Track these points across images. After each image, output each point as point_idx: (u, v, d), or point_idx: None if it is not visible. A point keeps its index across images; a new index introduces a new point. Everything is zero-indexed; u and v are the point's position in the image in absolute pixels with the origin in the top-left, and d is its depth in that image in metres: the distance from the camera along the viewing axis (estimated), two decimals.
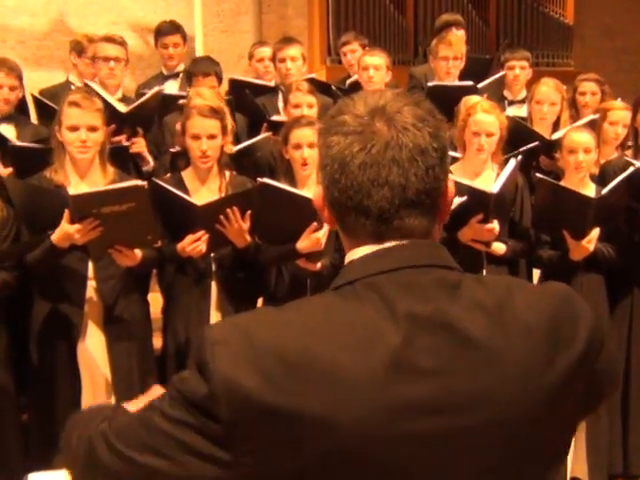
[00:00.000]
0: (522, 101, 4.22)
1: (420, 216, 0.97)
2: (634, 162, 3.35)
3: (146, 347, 3.15)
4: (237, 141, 3.59)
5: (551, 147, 3.61)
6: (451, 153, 3.61)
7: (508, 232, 3.32)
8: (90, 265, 2.97)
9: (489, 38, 6.54)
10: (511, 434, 0.92)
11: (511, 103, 4.35)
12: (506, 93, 4.42)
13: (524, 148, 3.52)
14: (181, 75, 4.49)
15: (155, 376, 3.14)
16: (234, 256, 3.08)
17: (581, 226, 3.19)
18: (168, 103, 3.83)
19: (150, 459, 0.92)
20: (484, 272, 3.27)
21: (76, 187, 2.94)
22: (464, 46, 4.44)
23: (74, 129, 2.90)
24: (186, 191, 3.07)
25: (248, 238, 3.00)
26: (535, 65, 6.48)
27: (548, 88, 3.81)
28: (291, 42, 4.43)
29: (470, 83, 3.95)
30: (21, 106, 3.95)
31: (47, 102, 3.89)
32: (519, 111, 4.09)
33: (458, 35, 4.49)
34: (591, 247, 3.21)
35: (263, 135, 3.58)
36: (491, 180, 3.29)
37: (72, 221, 2.72)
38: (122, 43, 3.91)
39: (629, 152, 3.64)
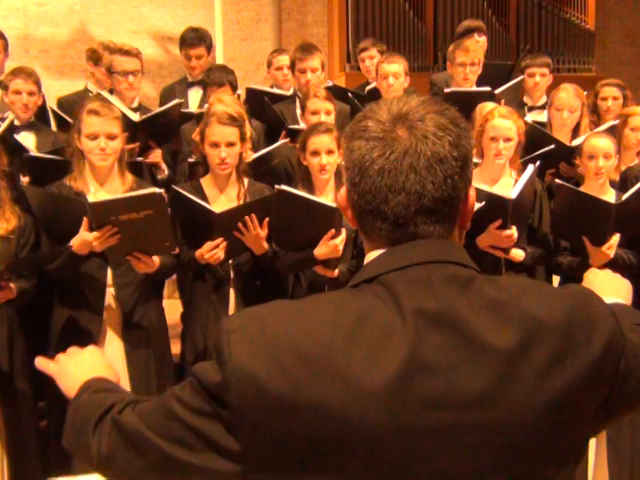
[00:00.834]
0: (542, 107, 4.19)
1: (436, 223, 0.98)
2: None
3: (164, 354, 3.17)
4: (255, 149, 3.60)
5: (571, 153, 3.58)
6: None
7: (527, 238, 3.29)
8: (109, 272, 3.00)
9: (509, 44, 6.51)
10: (515, 434, 0.93)
11: (531, 109, 4.32)
12: (526, 99, 4.39)
13: (538, 152, 3.50)
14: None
15: (173, 383, 3.15)
16: (252, 263, 3.09)
17: (601, 232, 3.16)
18: (188, 118, 3.85)
19: (173, 448, 0.96)
20: None
21: (95, 194, 2.97)
22: (481, 52, 4.43)
23: (93, 137, 2.93)
24: (204, 198, 3.09)
25: (266, 245, 3.01)
26: (556, 71, 6.44)
27: (568, 94, 3.78)
28: (311, 51, 4.37)
29: (487, 89, 3.93)
30: (42, 114, 3.99)
31: (61, 114, 3.92)
32: (539, 117, 4.06)
33: (475, 41, 4.48)
34: (611, 253, 3.17)
35: (280, 142, 3.59)
36: (509, 186, 3.27)
37: (91, 228, 2.74)
38: (138, 54, 3.94)
39: None
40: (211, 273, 3.10)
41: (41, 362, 1.29)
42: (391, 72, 4.16)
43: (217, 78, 4.02)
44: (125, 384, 3.02)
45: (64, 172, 3.08)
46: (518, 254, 3.22)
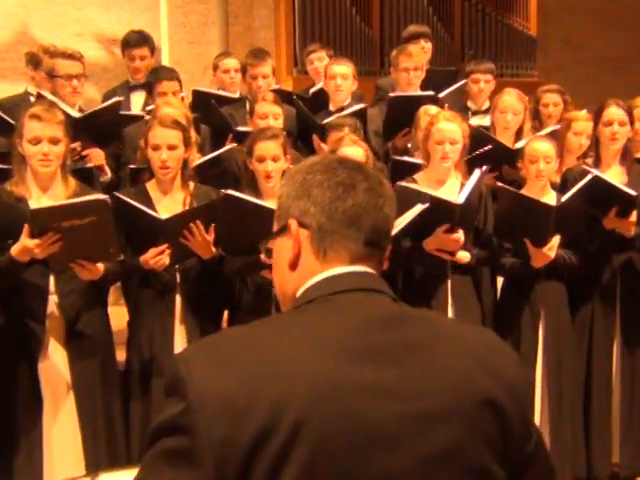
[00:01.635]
0: (485, 111, 4.25)
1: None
2: (591, 170, 3.40)
3: (109, 362, 3.11)
4: (203, 153, 3.58)
5: (513, 156, 3.66)
6: (414, 159, 3.65)
7: (473, 240, 3.35)
8: (51, 279, 2.94)
9: (454, 49, 6.62)
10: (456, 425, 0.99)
11: (474, 113, 4.39)
12: (469, 103, 4.46)
13: (477, 152, 3.56)
14: None
15: (119, 393, 3.10)
16: (199, 268, 3.07)
17: (542, 233, 3.23)
18: (129, 119, 3.81)
19: None
20: (449, 281, 3.30)
21: (37, 200, 2.91)
22: (425, 57, 4.49)
23: (36, 142, 2.87)
24: (150, 202, 3.06)
25: (213, 250, 3.00)
26: (499, 75, 6.56)
27: (511, 98, 3.86)
28: (263, 57, 4.42)
29: (431, 93, 3.98)
30: None
31: (3, 116, 3.83)
32: (482, 121, 4.12)
33: (420, 47, 4.54)
34: (552, 254, 3.25)
35: (227, 147, 3.57)
36: (455, 188, 3.33)
37: (32, 235, 2.68)
38: (81, 58, 3.87)
39: (590, 160, 3.69)
40: (156, 279, 3.07)
41: None
42: (339, 73, 4.18)
43: (165, 73, 4.00)
44: (69, 395, 2.96)
45: (5, 177, 3.00)
46: (464, 256, 3.28)
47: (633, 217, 3.34)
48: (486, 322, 3.43)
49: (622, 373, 3.52)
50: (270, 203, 3.01)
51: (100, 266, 2.86)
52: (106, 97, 4.49)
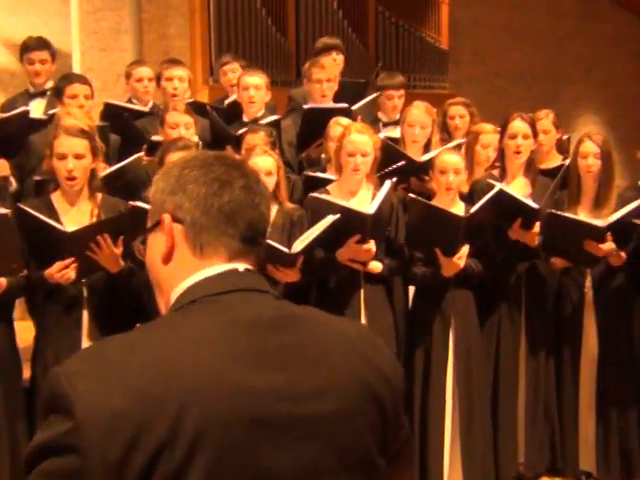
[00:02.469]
0: (396, 122, 4.33)
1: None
2: (495, 183, 3.51)
3: (14, 379, 3.00)
4: (110, 164, 3.50)
5: (421, 169, 3.73)
6: (326, 175, 3.68)
7: (385, 250, 3.40)
8: None
9: (369, 61, 6.72)
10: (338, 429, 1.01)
11: (386, 125, 4.46)
12: (380, 115, 4.53)
13: (391, 168, 3.62)
14: (48, 94, 4.32)
15: (22, 409, 2.99)
16: (106, 281, 3.00)
17: (451, 243, 3.31)
18: (36, 126, 3.69)
19: None
20: (362, 291, 3.34)
21: None
22: (337, 69, 4.54)
23: None
24: (55, 214, 2.97)
25: (121, 263, 2.93)
26: (412, 87, 6.72)
27: (419, 111, 3.93)
28: (177, 62, 4.46)
29: (345, 105, 4.03)
30: None
31: None
32: (393, 133, 4.19)
33: (332, 59, 4.58)
34: (461, 263, 3.33)
35: (134, 157, 3.51)
36: (367, 199, 3.37)
37: None
38: None
39: (496, 172, 3.81)
40: (62, 294, 2.98)
41: None
42: (252, 84, 4.18)
43: (77, 76, 3.91)
44: None
45: None
46: (376, 267, 3.32)
47: (536, 228, 3.47)
48: (399, 330, 3.49)
49: (527, 375, 3.65)
50: None
51: (2, 281, 2.77)
52: (5, 106, 4.34)
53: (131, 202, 2.91)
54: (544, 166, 4.00)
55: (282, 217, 3.33)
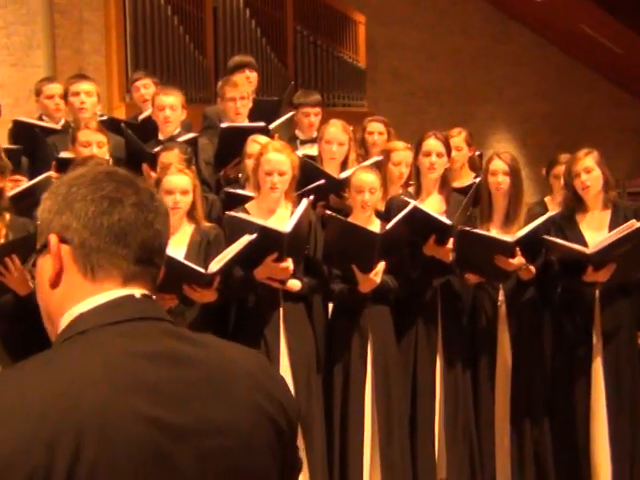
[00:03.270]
0: (313, 140, 4.36)
1: None
2: (410, 200, 3.58)
3: None
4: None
5: (339, 186, 3.77)
6: (246, 192, 3.67)
7: (303, 268, 3.41)
8: None
9: (287, 79, 6.76)
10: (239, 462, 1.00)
11: (303, 142, 4.49)
12: (298, 133, 4.56)
13: (311, 186, 3.65)
14: None
15: None
16: (15, 305, 2.90)
17: (368, 260, 3.36)
18: None
19: None
20: (281, 309, 3.34)
21: None
22: (251, 87, 4.54)
23: None
24: None
25: (31, 285, 2.84)
26: (331, 105, 6.81)
27: (336, 129, 3.98)
28: (85, 77, 4.37)
29: (262, 124, 4.03)
30: None
31: None
32: (311, 150, 4.23)
33: (245, 76, 4.59)
34: (378, 279, 3.38)
35: (43, 175, 3.41)
36: (285, 218, 3.38)
37: None
38: None
39: (412, 189, 3.88)
40: None
41: None
42: (168, 104, 4.13)
43: None
44: None
45: None
46: (295, 284, 3.33)
47: (450, 244, 3.55)
48: (318, 346, 3.51)
49: (445, 389, 3.70)
50: None
51: None
52: None
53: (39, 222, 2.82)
54: (457, 184, 4.11)
55: (199, 236, 3.30)
